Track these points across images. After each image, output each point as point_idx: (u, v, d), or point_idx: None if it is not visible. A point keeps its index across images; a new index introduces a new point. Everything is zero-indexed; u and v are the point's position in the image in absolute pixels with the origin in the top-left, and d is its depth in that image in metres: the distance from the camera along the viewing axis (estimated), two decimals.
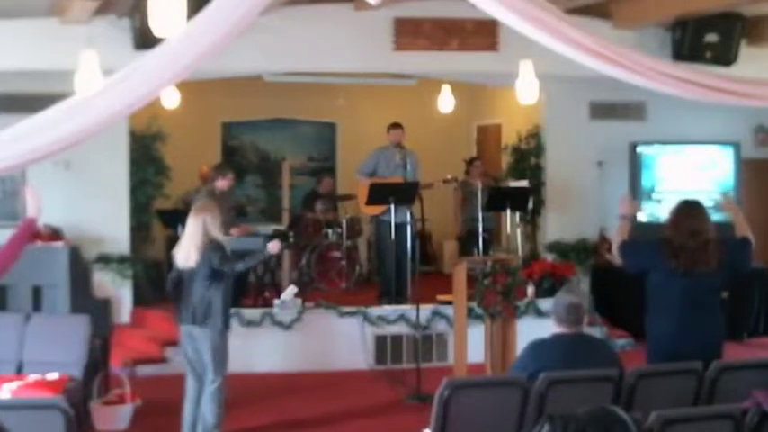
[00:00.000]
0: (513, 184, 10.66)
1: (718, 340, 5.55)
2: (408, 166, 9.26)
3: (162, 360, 8.44)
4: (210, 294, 6.19)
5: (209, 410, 6.23)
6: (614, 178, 10.51)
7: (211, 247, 6.16)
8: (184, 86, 9.54)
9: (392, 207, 8.82)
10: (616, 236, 5.80)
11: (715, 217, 5.74)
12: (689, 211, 5.50)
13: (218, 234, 6.27)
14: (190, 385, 6.31)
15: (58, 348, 6.39)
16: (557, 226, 10.71)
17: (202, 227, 6.16)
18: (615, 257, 5.83)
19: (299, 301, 8.89)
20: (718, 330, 5.56)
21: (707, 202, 7.24)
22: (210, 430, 6.24)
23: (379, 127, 10.25)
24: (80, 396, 6.11)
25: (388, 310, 9.09)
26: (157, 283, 9.71)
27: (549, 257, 10.39)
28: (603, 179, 10.62)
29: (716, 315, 5.54)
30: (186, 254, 6.16)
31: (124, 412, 6.71)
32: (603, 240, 10.27)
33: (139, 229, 10.00)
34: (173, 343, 7.59)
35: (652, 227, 8.44)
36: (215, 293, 6.19)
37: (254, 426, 6.97)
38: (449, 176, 10.32)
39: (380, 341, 8.95)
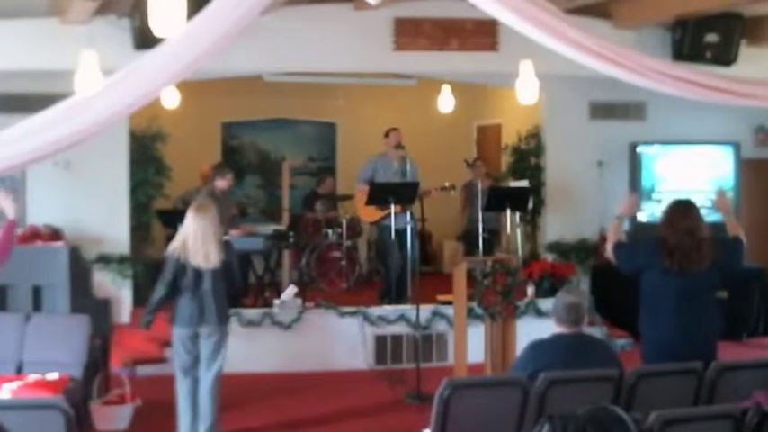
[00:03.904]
0: (513, 184, 10.66)
1: (713, 339, 5.58)
2: (408, 173, 9.25)
3: (162, 360, 8.43)
4: (224, 291, 6.25)
5: (209, 408, 6.24)
6: (614, 178, 10.52)
7: (228, 248, 6.25)
8: (184, 86, 9.55)
9: (392, 213, 8.79)
10: (611, 235, 5.82)
11: (712, 217, 5.76)
12: (683, 210, 5.53)
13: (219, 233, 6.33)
14: (185, 387, 6.29)
15: (58, 348, 6.39)
16: (557, 226, 10.71)
17: (214, 224, 6.16)
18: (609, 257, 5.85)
19: (299, 301, 8.89)
20: (712, 329, 5.59)
21: (706, 201, 7.27)
22: (213, 428, 6.26)
23: (380, 127, 10.27)
24: (80, 396, 6.11)
25: (388, 310, 9.09)
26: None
27: (549, 257, 10.39)
28: (603, 179, 10.61)
29: (710, 314, 5.56)
30: (205, 254, 6.12)
31: (124, 412, 6.71)
32: (603, 240, 10.24)
33: (139, 229, 9.99)
34: (173, 345, 7.59)
35: (652, 227, 8.44)
36: (226, 290, 6.27)
37: (254, 426, 6.97)
38: (446, 184, 10.34)
39: (380, 341, 8.95)
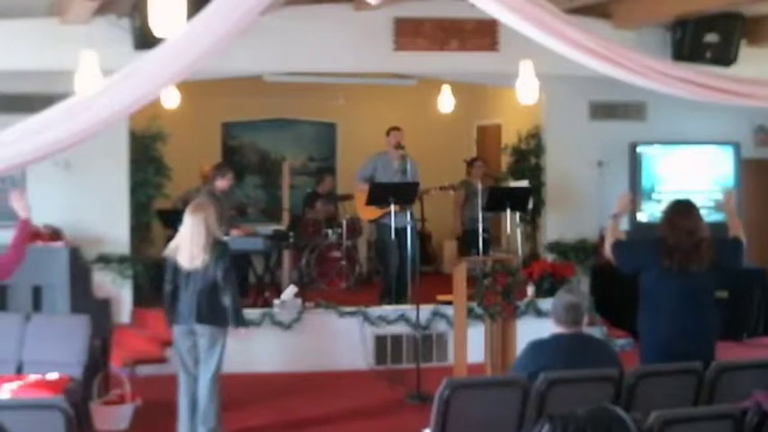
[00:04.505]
0: (513, 184, 10.66)
1: (712, 339, 5.58)
2: (408, 173, 9.24)
3: (162, 360, 8.44)
4: (218, 293, 6.20)
5: (211, 409, 6.24)
6: (614, 178, 10.50)
7: (219, 249, 6.19)
8: (184, 86, 9.55)
9: (392, 211, 8.79)
10: (608, 235, 5.82)
11: (712, 217, 5.75)
12: (683, 210, 5.53)
13: (217, 232, 6.31)
14: (185, 385, 6.31)
15: (58, 348, 6.39)
16: (557, 226, 10.70)
17: (204, 226, 6.16)
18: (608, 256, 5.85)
19: (299, 301, 8.89)
20: (711, 330, 5.59)
21: (706, 201, 7.29)
22: (215, 428, 6.26)
23: (380, 127, 10.26)
24: (80, 396, 6.11)
25: (388, 310, 9.10)
26: (157, 283, 9.70)
27: (549, 257, 10.38)
28: (603, 179, 10.60)
29: (709, 314, 5.57)
30: (190, 254, 6.15)
31: (124, 412, 6.71)
32: (603, 240, 10.24)
33: (139, 229, 9.99)
34: (173, 343, 7.61)
35: (652, 227, 8.44)
36: (223, 292, 6.22)
37: (254, 426, 6.98)
38: (446, 184, 10.34)
39: (380, 341, 8.95)
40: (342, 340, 8.89)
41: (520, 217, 10.32)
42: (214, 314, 6.24)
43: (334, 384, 8.26)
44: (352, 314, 8.95)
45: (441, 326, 9.00)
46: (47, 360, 6.25)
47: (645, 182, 10.57)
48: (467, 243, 10.35)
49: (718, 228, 5.89)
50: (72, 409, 4.21)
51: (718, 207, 6.08)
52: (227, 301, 6.23)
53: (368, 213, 9.61)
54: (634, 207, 10.18)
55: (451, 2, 8.83)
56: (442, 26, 9.24)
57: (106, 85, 4.10)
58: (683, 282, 5.40)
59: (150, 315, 9.36)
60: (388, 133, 9.75)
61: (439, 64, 9.47)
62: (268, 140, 13.28)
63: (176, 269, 6.23)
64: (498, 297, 7.78)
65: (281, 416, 7.24)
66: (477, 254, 9.28)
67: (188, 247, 6.15)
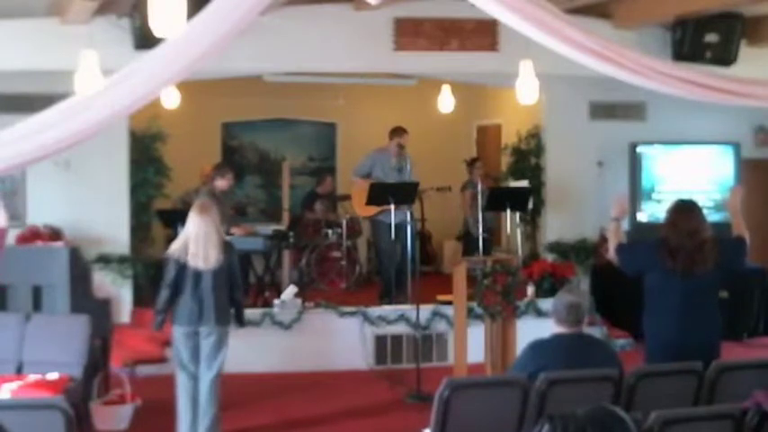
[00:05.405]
0: (513, 184, 10.66)
1: (717, 340, 5.57)
2: (406, 171, 9.25)
3: (162, 360, 8.43)
4: (226, 292, 6.26)
5: (209, 407, 6.24)
6: (614, 178, 10.50)
7: (230, 249, 6.26)
8: (184, 86, 9.55)
9: (392, 208, 8.81)
10: (611, 238, 5.80)
11: (713, 217, 5.75)
12: (686, 211, 5.51)
13: (222, 232, 6.36)
14: (185, 386, 6.29)
15: (58, 348, 6.40)
16: (557, 226, 10.70)
17: (215, 226, 6.18)
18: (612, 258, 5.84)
19: (299, 301, 8.89)
20: (716, 330, 5.58)
21: (706, 202, 7.28)
22: (212, 427, 6.26)
23: (379, 127, 10.26)
24: (80, 396, 6.12)
25: (388, 310, 9.10)
26: (157, 283, 9.70)
27: (549, 257, 10.38)
28: (603, 179, 10.60)
29: (714, 315, 5.55)
30: (204, 254, 6.14)
31: (124, 412, 6.72)
32: (603, 240, 10.23)
33: (139, 229, 9.99)
34: (172, 343, 7.61)
35: (652, 227, 8.44)
36: (227, 292, 6.28)
37: (253, 426, 6.98)
38: (443, 185, 10.34)
39: (380, 341, 8.95)
40: (342, 340, 8.89)
41: (520, 217, 10.33)
42: (226, 314, 6.30)
43: (334, 384, 8.26)
44: (351, 314, 8.94)
45: (441, 326, 9.00)
46: (47, 360, 6.25)
47: (645, 182, 10.57)
48: (473, 243, 10.34)
49: (719, 228, 5.88)
50: (72, 409, 4.21)
51: (723, 204, 6.05)
52: (238, 297, 6.37)
53: (365, 210, 9.61)
54: (634, 207, 10.19)
55: (451, 2, 8.83)
56: (442, 26, 9.25)
57: (106, 85, 4.10)
58: (687, 282, 5.38)
59: (150, 315, 9.30)
60: (391, 135, 9.73)
61: (439, 64, 9.47)
62: (268, 140, 13.28)
63: (180, 270, 6.19)
64: (498, 297, 7.78)
65: (281, 416, 7.24)
66: (478, 254, 9.28)
67: (202, 247, 6.13)
